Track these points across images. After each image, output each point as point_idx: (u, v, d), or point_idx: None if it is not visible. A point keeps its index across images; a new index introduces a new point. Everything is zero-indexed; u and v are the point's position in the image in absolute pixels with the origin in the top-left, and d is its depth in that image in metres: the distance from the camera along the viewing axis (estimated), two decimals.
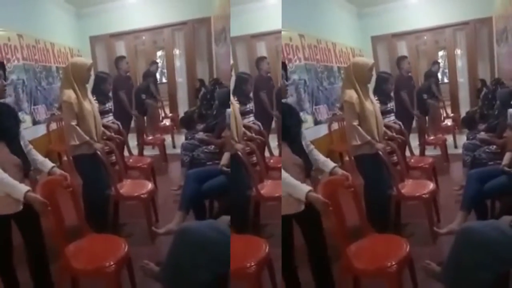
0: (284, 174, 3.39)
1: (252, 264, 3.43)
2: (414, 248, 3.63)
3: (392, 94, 6.67)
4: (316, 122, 7.20)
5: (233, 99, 5.03)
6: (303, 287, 3.73)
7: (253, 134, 5.61)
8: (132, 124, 7.91)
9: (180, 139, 7.85)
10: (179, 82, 9.79)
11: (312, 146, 3.84)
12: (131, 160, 6.45)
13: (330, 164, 3.76)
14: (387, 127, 5.30)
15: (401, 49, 9.82)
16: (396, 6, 9.46)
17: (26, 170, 3.59)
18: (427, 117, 8.34)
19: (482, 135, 5.93)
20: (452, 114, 9.36)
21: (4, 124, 3.50)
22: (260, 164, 5.31)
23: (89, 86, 5.47)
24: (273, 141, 6.38)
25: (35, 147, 3.91)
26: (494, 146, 5.55)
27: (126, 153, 6.73)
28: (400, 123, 6.21)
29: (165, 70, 10.06)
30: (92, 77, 5.51)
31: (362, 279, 3.59)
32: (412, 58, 9.51)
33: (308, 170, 3.56)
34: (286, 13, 6.12)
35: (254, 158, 5.29)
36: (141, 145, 7.53)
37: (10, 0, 6.92)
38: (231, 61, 5.22)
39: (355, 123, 4.66)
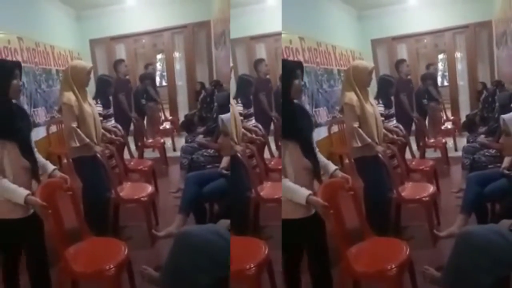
0: (284, 179, 3.38)
1: (252, 266, 3.43)
2: (414, 251, 3.62)
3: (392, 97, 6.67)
4: (316, 125, 7.19)
5: (233, 102, 5.01)
6: None
7: (254, 136, 5.59)
8: (132, 126, 7.90)
9: (180, 142, 7.85)
10: (179, 85, 9.80)
11: (317, 149, 3.83)
12: (132, 163, 6.44)
13: (331, 167, 3.75)
14: (389, 130, 5.29)
15: (401, 52, 9.85)
16: (396, 9, 9.49)
17: (36, 173, 3.57)
18: (426, 120, 8.35)
19: (482, 139, 5.93)
20: (452, 117, 9.37)
21: (17, 124, 3.49)
22: (259, 166, 5.31)
23: (91, 89, 5.47)
24: (272, 142, 6.39)
25: None
26: (494, 150, 5.55)
27: (126, 156, 6.71)
28: (400, 126, 6.21)
29: (165, 73, 10.06)
30: (93, 80, 5.49)
31: (362, 282, 3.60)
32: (412, 61, 9.55)
33: (317, 173, 3.54)
34: (286, 16, 6.12)
35: (254, 161, 5.30)
36: (141, 148, 7.52)
37: (10, 2, 6.91)
38: (231, 64, 5.23)
39: (356, 125, 4.66)
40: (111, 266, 3.44)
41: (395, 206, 4.93)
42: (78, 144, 4.80)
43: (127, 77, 8.26)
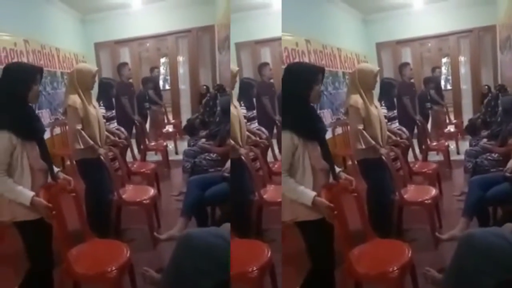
0: (289, 179, 3.39)
1: (255, 269, 3.44)
2: (416, 253, 3.62)
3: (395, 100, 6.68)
4: None
5: (237, 104, 5.01)
6: None
7: (258, 139, 5.59)
8: (134, 129, 7.90)
9: (183, 145, 7.85)
10: (182, 89, 9.80)
11: None
12: (135, 166, 6.44)
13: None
14: (392, 132, 5.29)
15: (405, 56, 9.85)
16: (401, 13, 9.48)
17: (53, 175, 3.61)
18: (429, 123, 8.34)
19: (484, 143, 5.93)
20: (455, 120, 9.36)
21: (36, 126, 3.54)
22: (263, 169, 5.32)
23: (94, 92, 5.48)
24: (276, 145, 6.40)
25: None
26: (496, 154, 5.55)
27: (129, 158, 6.72)
28: (404, 129, 6.21)
29: (168, 77, 10.07)
30: (96, 83, 5.50)
31: (364, 283, 3.60)
32: (416, 64, 9.54)
33: (334, 174, 3.54)
34: (293, 18, 6.14)
35: (258, 164, 5.30)
36: (143, 150, 7.52)
37: (17, 6, 6.94)
38: (237, 67, 5.24)
39: (360, 127, 4.67)
40: (113, 268, 3.46)
41: (398, 209, 4.93)
42: (82, 146, 4.81)
43: (130, 80, 8.26)
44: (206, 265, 3.22)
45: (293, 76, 3.48)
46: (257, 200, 4.92)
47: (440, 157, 7.68)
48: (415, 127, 7.65)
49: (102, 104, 6.38)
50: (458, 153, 8.05)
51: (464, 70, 9.80)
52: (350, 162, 6.58)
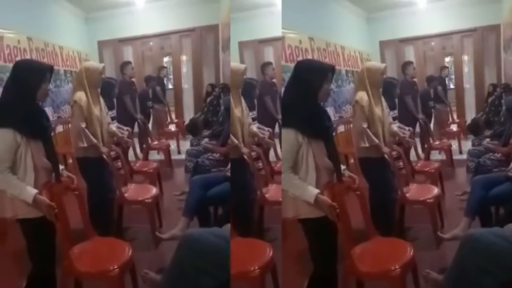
0: (293, 176, 3.39)
1: (256, 268, 3.43)
2: (417, 252, 3.60)
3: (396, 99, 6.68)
4: None
5: (244, 102, 5.01)
6: None
7: (265, 137, 5.58)
8: (136, 128, 7.90)
9: (185, 144, 7.86)
10: (185, 88, 9.82)
11: None
12: (137, 165, 6.43)
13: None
14: (396, 134, 5.27)
15: (409, 54, 9.87)
16: (405, 12, 9.50)
17: (57, 174, 3.59)
18: (431, 122, 8.35)
19: (487, 142, 5.92)
20: (457, 120, 9.36)
21: (43, 123, 3.53)
22: (265, 168, 5.31)
23: None
24: (278, 145, 6.38)
25: None
26: (499, 153, 5.54)
27: (132, 157, 6.71)
28: (407, 128, 6.21)
29: (171, 76, 10.08)
30: None
31: (365, 281, 3.59)
32: (419, 63, 9.55)
33: (339, 173, 3.53)
34: (296, 16, 6.13)
35: (260, 163, 5.30)
36: (146, 149, 7.53)
37: (21, 3, 6.97)
38: (244, 65, 5.22)
39: (365, 125, 4.68)
40: (115, 267, 3.45)
41: (400, 207, 4.94)
42: (85, 145, 4.81)
43: (133, 79, 8.28)
44: (208, 265, 3.22)
45: (304, 74, 3.45)
46: (259, 199, 4.92)
47: (442, 156, 7.69)
48: (418, 126, 7.66)
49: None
50: (460, 152, 8.06)
51: (467, 69, 9.80)
52: (352, 160, 6.58)
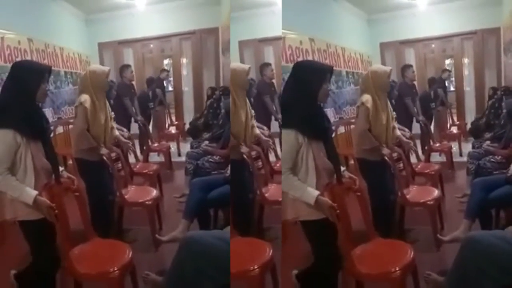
0: (292, 177, 3.38)
1: (256, 267, 3.43)
2: (417, 254, 3.60)
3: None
4: None
5: (249, 104, 5.00)
6: None
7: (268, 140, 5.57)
8: (133, 130, 7.88)
9: (185, 147, 7.85)
10: (185, 91, 9.83)
11: None
12: (137, 167, 6.41)
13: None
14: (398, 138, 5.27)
15: (409, 57, 9.89)
16: (405, 14, 9.53)
17: (57, 175, 3.57)
18: (432, 124, 8.36)
19: (487, 145, 5.92)
20: (457, 122, 9.37)
21: (43, 125, 3.53)
22: (265, 168, 5.31)
23: None
24: (278, 145, 6.39)
25: None
26: (499, 156, 5.54)
27: (132, 159, 6.70)
28: (407, 129, 6.22)
29: (171, 79, 10.09)
30: None
31: (365, 283, 3.58)
32: (419, 65, 9.57)
33: (338, 175, 3.53)
34: (297, 17, 6.12)
35: (260, 163, 5.30)
36: (146, 151, 7.53)
37: (22, 4, 6.98)
38: (248, 65, 5.19)
39: (367, 127, 4.68)
40: (115, 269, 3.44)
41: (400, 209, 4.94)
42: (85, 147, 4.81)
43: (132, 82, 8.28)
44: (208, 268, 3.21)
45: (303, 74, 3.44)
46: (259, 199, 4.92)
47: (442, 158, 7.68)
48: (419, 128, 7.66)
49: None
50: (460, 154, 8.06)
51: (467, 72, 9.81)
52: (352, 162, 6.59)
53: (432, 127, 8.40)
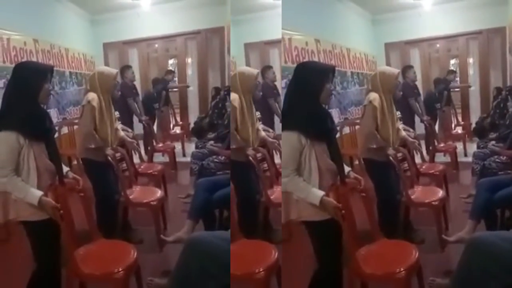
0: (298, 178, 3.38)
1: (261, 269, 3.42)
2: (422, 254, 3.58)
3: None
4: None
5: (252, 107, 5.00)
6: None
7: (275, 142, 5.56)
8: (136, 131, 7.86)
9: (190, 147, 7.85)
10: (190, 91, 9.82)
11: None
12: (142, 167, 6.40)
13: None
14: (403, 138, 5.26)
15: (414, 57, 9.89)
16: (410, 14, 9.52)
17: (60, 176, 3.57)
18: (436, 124, 8.34)
19: (493, 145, 5.91)
20: (462, 122, 9.35)
21: (46, 125, 3.52)
22: (270, 170, 5.31)
23: None
24: None
25: None
26: (505, 156, 5.53)
27: (136, 159, 6.69)
28: (411, 130, 6.20)
29: (176, 78, 10.09)
30: None
31: (370, 283, 3.59)
32: (424, 65, 9.55)
33: (342, 176, 3.52)
34: (303, 18, 6.11)
35: (265, 165, 5.29)
36: (151, 152, 7.53)
37: (27, 5, 6.99)
38: (257, 70, 5.17)
39: (374, 126, 4.69)
40: (120, 269, 3.44)
41: (404, 209, 4.92)
42: (93, 146, 4.81)
43: (134, 82, 8.30)
44: (213, 269, 3.21)
45: (305, 75, 3.44)
46: (264, 201, 4.91)
47: (447, 159, 7.67)
48: (424, 128, 7.66)
49: None
50: (465, 155, 8.04)
51: (472, 72, 9.79)
52: (357, 162, 6.58)
53: (436, 127, 8.38)
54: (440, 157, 7.70)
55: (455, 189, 6.33)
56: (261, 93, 6.86)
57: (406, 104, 7.53)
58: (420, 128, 7.75)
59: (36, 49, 7.30)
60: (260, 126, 5.20)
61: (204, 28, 9.29)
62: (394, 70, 4.93)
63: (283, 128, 3.42)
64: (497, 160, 5.56)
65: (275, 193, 5.03)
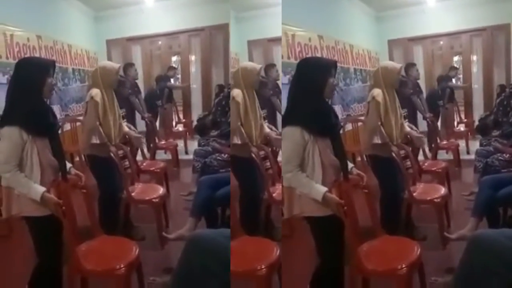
0: (301, 173, 3.38)
1: (263, 267, 3.43)
2: (424, 252, 3.59)
3: None
4: None
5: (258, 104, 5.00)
6: None
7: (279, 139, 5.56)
8: (138, 128, 7.87)
9: (193, 144, 7.85)
10: (194, 88, 9.81)
11: None
12: (144, 164, 6.41)
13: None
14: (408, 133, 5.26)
15: (417, 53, 9.87)
16: (414, 11, 9.49)
17: (64, 172, 3.59)
18: (439, 121, 8.33)
19: (496, 143, 5.90)
20: (465, 119, 9.34)
21: (50, 120, 3.54)
22: (273, 168, 5.31)
23: None
24: None
25: None
26: (508, 154, 5.52)
27: (139, 157, 6.70)
28: (414, 127, 6.20)
29: (179, 76, 10.07)
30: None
31: (371, 279, 3.59)
32: (427, 62, 9.53)
33: (345, 172, 3.53)
34: (306, 14, 6.11)
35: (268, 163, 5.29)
36: (153, 149, 7.53)
37: (31, 2, 7.01)
38: (259, 65, 5.16)
39: (379, 122, 4.70)
40: (122, 266, 3.45)
41: (406, 206, 4.93)
42: (98, 141, 4.83)
43: (136, 80, 8.31)
44: (215, 266, 3.20)
45: (307, 70, 3.45)
46: (266, 198, 4.91)
47: (449, 156, 7.67)
48: (426, 125, 7.65)
49: None
50: (468, 152, 8.04)
51: (476, 69, 9.76)
52: (359, 158, 6.58)
53: (439, 125, 8.37)
54: (443, 155, 7.70)
55: (457, 186, 6.33)
56: (271, 92, 6.89)
57: (408, 101, 7.52)
58: (422, 125, 7.75)
59: (39, 45, 7.31)
60: (264, 123, 5.19)
61: (208, 25, 9.26)
62: (396, 65, 4.92)
63: (285, 124, 3.44)
64: (500, 157, 5.56)
65: (277, 191, 5.03)
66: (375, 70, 5.00)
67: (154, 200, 5.04)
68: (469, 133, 8.56)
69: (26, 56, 6.68)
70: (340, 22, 8.25)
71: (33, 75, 3.44)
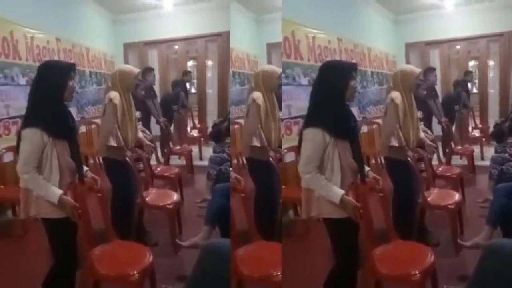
0: (320, 176, 3.39)
1: (279, 273, 3.43)
2: (437, 258, 3.57)
3: None
4: None
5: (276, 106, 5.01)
6: None
7: None
8: (153, 132, 7.87)
9: (207, 150, 7.85)
10: (209, 93, 9.83)
11: None
12: (158, 169, 6.40)
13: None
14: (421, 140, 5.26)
15: (434, 57, 9.87)
16: (431, 15, 9.50)
17: (81, 175, 3.60)
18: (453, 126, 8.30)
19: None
20: (480, 125, 9.30)
21: (70, 123, 3.56)
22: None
23: None
24: None
25: None
26: None
27: (153, 161, 6.68)
28: (429, 131, 6.18)
29: (195, 81, 10.09)
30: None
31: (384, 283, 3.61)
32: (443, 66, 9.51)
33: (362, 175, 3.54)
34: (325, 17, 6.13)
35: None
36: (167, 154, 7.54)
37: (51, 4, 7.07)
38: (279, 69, 5.19)
39: (397, 124, 4.70)
40: (135, 272, 3.44)
41: (420, 211, 4.93)
42: (116, 144, 4.82)
43: (153, 85, 8.33)
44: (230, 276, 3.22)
45: (329, 74, 3.47)
46: (281, 203, 4.92)
47: (463, 161, 7.65)
48: (441, 130, 7.63)
49: None
50: (482, 158, 8.01)
51: (492, 74, 9.72)
52: (373, 161, 6.58)
53: (453, 129, 8.34)
54: (457, 160, 7.67)
55: (471, 193, 6.29)
56: None
57: (424, 105, 7.50)
58: (437, 129, 7.72)
59: (58, 48, 7.38)
60: (281, 125, 5.20)
61: (225, 31, 9.28)
62: (416, 69, 4.90)
63: (307, 125, 3.44)
64: None
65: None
66: (394, 73, 5.00)
67: (168, 206, 5.02)
68: (483, 139, 8.51)
69: (45, 58, 6.76)
70: (358, 25, 8.25)
71: (55, 78, 3.47)
